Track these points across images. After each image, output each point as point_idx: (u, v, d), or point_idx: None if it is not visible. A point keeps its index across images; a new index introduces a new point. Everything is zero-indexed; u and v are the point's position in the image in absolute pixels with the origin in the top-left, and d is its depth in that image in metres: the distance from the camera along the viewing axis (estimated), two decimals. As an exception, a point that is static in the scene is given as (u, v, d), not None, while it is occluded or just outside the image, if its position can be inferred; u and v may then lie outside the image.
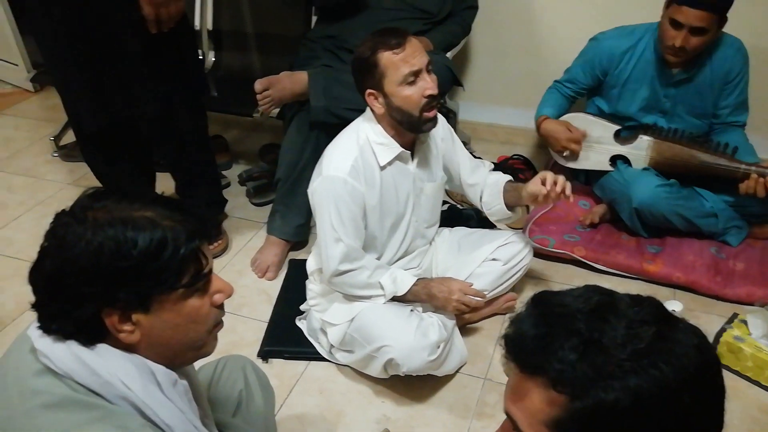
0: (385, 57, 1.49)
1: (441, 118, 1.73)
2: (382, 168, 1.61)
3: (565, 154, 2.18)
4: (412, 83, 1.50)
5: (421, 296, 1.65)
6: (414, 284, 1.64)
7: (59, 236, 0.79)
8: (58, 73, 1.92)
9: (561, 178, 1.66)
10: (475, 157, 2.34)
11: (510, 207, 1.77)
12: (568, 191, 1.66)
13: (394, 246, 1.72)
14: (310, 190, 1.63)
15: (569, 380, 0.62)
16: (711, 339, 1.73)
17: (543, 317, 0.67)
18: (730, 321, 1.77)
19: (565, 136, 2.13)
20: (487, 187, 1.80)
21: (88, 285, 0.77)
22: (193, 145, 2.08)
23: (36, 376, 0.81)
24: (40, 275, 0.80)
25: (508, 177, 1.81)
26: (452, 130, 1.80)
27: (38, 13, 1.78)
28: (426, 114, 1.54)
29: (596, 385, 0.60)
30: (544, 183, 1.65)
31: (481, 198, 1.81)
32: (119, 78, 1.82)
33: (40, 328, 0.82)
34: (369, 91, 1.55)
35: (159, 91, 1.88)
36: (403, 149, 1.61)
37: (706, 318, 1.89)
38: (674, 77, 2.03)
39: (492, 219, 1.84)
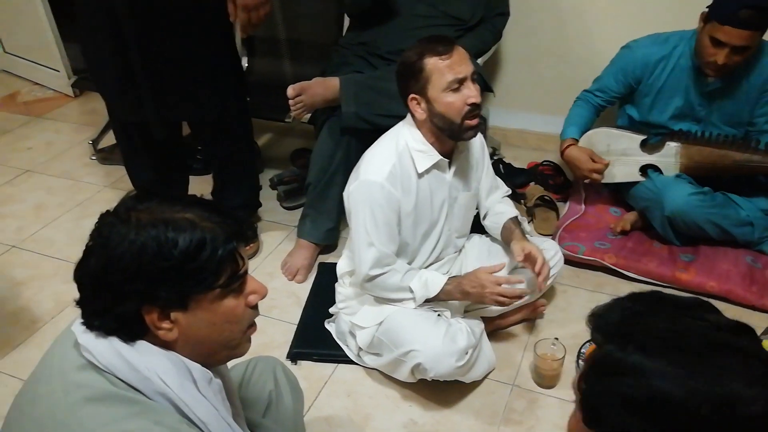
0: (432, 62, 1.50)
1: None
2: (420, 175, 1.61)
3: (586, 181, 2.17)
4: (456, 90, 1.51)
5: (454, 295, 1.65)
6: (446, 283, 1.64)
7: (104, 236, 0.82)
8: (111, 79, 1.93)
9: (546, 269, 1.65)
10: (504, 163, 2.34)
11: (505, 242, 1.78)
12: (543, 281, 1.66)
13: (425, 253, 1.73)
14: (345, 193, 1.65)
15: None
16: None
17: (634, 301, 0.76)
18: (766, 332, 1.74)
19: (588, 167, 2.12)
20: (492, 213, 1.82)
21: (130, 283, 0.80)
22: (241, 147, 2.15)
23: (79, 370, 0.83)
24: (84, 273, 0.83)
25: (514, 213, 1.81)
26: (485, 143, 1.81)
27: (93, 22, 1.82)
28: (468, 122, 1.54)
29: None
30: (527, 258, 1.65)
31: (484, 217, 1.84)
32: (184, 82, 1.88)
33: (83, 324, 0.85)
34: (412, 95, 1.55)
35: (218, 93, 1.94)
36: (441, 157, 1.61)
37: (741, 329, 1.86)
38: (709, 86, 2.00)
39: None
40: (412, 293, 1.64)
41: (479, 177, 1.79)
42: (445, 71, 1.50)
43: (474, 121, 1.55)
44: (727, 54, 1.84)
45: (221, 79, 1.95)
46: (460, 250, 1.87)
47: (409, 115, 1.61)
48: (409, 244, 1.68)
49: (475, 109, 1.53)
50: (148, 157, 2.10)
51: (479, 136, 1.76)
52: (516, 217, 1.81)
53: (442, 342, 1.55)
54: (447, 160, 1.64)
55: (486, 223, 1.84)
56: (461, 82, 1.51)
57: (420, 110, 1.56)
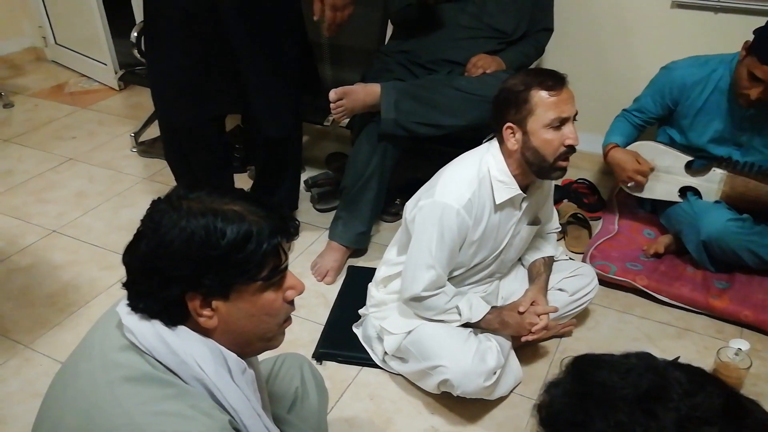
0: (539, 96, 1.47)
1: None
2: (495, 208, 1.58)
3: (630, 184, 2.15)
4: (556, 128, 1.48)
5: (494, 324, 1.64)
6: (488, 312, 1.63)
7: (156, 221, 0.84)
8: (177, 73, 1.96)
9: (539, 328, 1.63)
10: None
11: (529, 278, 1.79)
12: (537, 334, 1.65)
13: (475, 277, 1.73)
14: (416, 206, 1.61)
15: None
16: (779, 381, 1.67)
17: (581, 399, 0.59)
18: (800, 365, 1.70)
19: (632, 167, 2.09)
20: (532, 246, 1.81)
21: (177, 268, 0.83)
22: (293, 144, 2.20)
23: (120, 350, 0.86)
24: (134, 256, 0.86)
25: (552, 253, 1.81)
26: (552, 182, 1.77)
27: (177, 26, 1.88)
28: (560, 162, 1.52)
29: None
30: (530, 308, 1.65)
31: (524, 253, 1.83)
32: (223, 77, 1.94)
33: (128, 305, 0.87)
34: (508, 124, 1.52)
35: (250, 88, 1.99)
36: (520, 191, 1.58)
37: (774, 360, 1.82)
38: (749, 110, 1.98)
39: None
40: (459, 315, 1.62)
41: (541, 212, 1.78)
42: (552, 107, 1.47)
43: (566, 163, 1.53)
44: (762, 91, 1.83)
45: (294, 73, 2.00)
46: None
47: (495, 142, 1.58)
48: (463, 267, 1.67)
49: (570, 151, 1.51)
50: (196, 159, 2.16)
51: None
52: (551, 257, 1.80)
53: (472, 361, 1.53)
54: (523, 195, 1.62)
55: (525, 256, 1.82)
56: (564, 121, 1.49)
57: (513, 140, 1.52)
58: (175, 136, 2.13)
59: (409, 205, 1.65)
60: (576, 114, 1.52)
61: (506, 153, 1.56)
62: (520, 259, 1.88)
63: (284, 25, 1.95)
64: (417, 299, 1.60)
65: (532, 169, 1.54)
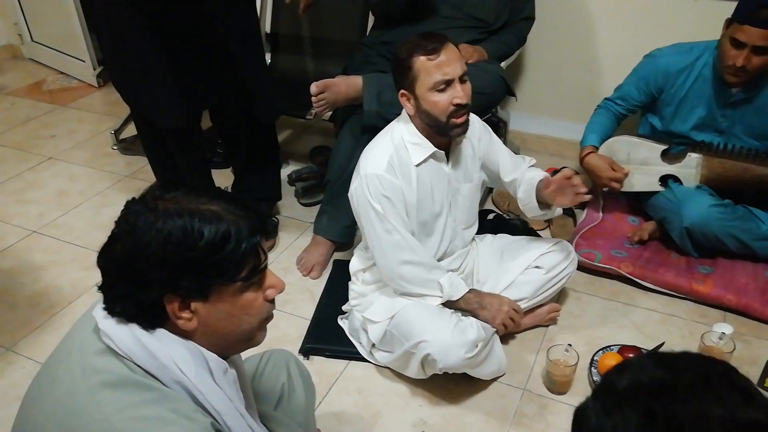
0: (420, 61, 1.51)
1: (476, 118, 1.73)
2: (417, 165, 1.62)
3: (605, 189, 2.16)
4: (442, 90, 1.52)
5: (473, 304, 1.67)
6: (468, 291, 1.66)
7: (131, 223, 0.83)
8: (134, 72, 1.95)
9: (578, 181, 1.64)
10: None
11: (542, 204, 1.75)
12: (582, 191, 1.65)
13: (433, 246, 1.73)
14: (350, 193, 1.66)
15: None
16: (762, 365, 1.69)
17: None
18: (783, 348, 1.72)
19: (607, 175, 2.10)
20: (523, 183, 1.79)
21: (154, 271, 0.81)
22: (274, 130, 2.21)
23: (98, 354, 0.85)
24: (109, 259, 0.84)
25: (545, 174, 1.79)
26: (489, 128, 1.80)
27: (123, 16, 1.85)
28: (454, 120, 1.55)
29: None
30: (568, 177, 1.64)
31: (517, 194, 1.80)
32: (206, 73, 1.93)
33: (104, 309, 0.86)
34: (402, 91, 1.58)
35: (245, 77, 1.98)
36: (436, 149, 1.62)
37: (758, 343, 1.84)
38: (733, 97, 1.98)
39: (529, 216, 1.83)
40: (440, 290, 1.64)
41: (492, 163, 1.77)
42: (433, 71, 1.51)
43: (461, 119, 1.56)
44: (746, 55, 1.83)
45: (248, 67, 1.98)
46: (470, 245, 1.87)
47: (404, 110, 1.63)
48: (415, 236, 1.68)
49: (460, 109, 1.54)
50: (171, 150, 2.13)
51: (481, 123, 1.76)
52: (541, 179, 1.78)
53: (452, 333, 1.55)
54: (443, 152, 1.65)
55: (521, 195, 1.79)
56: (448, 83, 1.51)
57: (409, 106, 1.58)
58: (156, 141, 2.11)
59: (349, 194, 1.68)
60: (465, 73, 1.54)
61: (411, 118, 1.61)
62: (495, 236, 1.90)
63: (252, 7, 1.97)
64: (400, 265, 1.62)
65: (432, 130, 1.59)
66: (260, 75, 2.03)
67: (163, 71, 1.87)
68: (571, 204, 1.69)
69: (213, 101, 2.07)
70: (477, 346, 1.57)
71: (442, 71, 1.50)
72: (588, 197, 1.68)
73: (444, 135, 1.60)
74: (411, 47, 1.53)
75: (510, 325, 1.70)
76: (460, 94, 1.52)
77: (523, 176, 1.79)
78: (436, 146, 1.62)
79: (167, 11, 1.79)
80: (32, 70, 3.72)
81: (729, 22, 1.87)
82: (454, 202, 1.72)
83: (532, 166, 1.82)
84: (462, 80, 1.54)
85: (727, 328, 1.75)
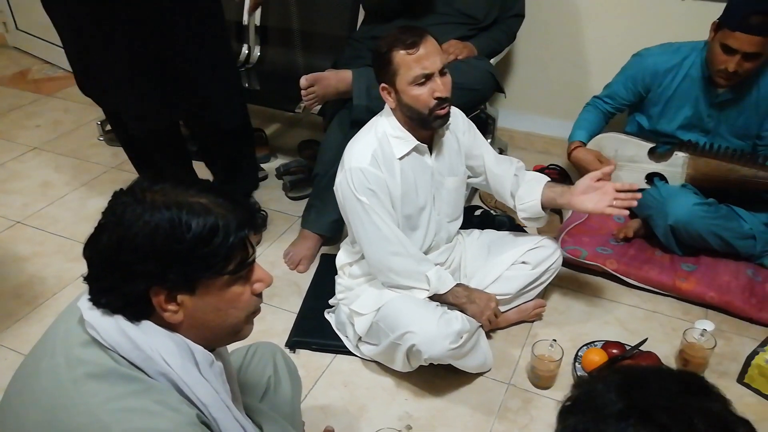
0: (399, 55, 1.51)
1: (459, 112, 1.74)
2: (400, 158, 1.62)
3: None
4: (422, 84, 1.52)
5: (461, 298, 1.68)
6: (456, 284, 1.67)
7: (118, 214, 0.82)
8: (106, 79, 1.95)
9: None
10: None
11: (544, 206, 1.76)
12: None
13: (418, 239, 1.73)
14: (335, 186, 1.66)
15: None
16: (742, 361, 1.72)
17: None
18: (764, 344, 1.74)
19: (594, 168, 2.11)
20: (525, 182, 1.80)
21: (141, 263, 0.81)
22: (249, 126, 2.18)
23: (83, 346, 0.84)
24: (95, 250, 0.84)
25: (544, 180, 1.80)
26: (472, 123, 1.80)
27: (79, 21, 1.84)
28: (436, 112, 1.56)
29: None
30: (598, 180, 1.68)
31: (512, 193, 1.79)
32: (166, 77, 1.88)
33: (90, 300, 0.85)
34: (383, 85, 1.58)
35: (200, 87, 1.94)
36: (419, 142, 1.63)
37: (738, 340, 1.87)
38: (719, 97, 2.00)
39: (522, 216, 1.82)
40: (428, 283, 1.65)
41: (476, 158, 1.78)
42: (412, 65, 1.51)
43: (442, 111, 1.56)
44: (738, 61, 1.84)
45: (205, 68, 1.94)
46: (458, 241, 1.88)
47: (387, 104, 1.63)
48: (400, 229, 1.68)
49: (442, 102, 1.54)
50: (163, 157, 2.12)
51: (464, 117, 1.77)
52: (548, 180, 1.79)
53: (437, 324, 1.56)
54: (426, 145, 1.65)
55: (521, 193, 1.78)
56: (428, 77, 1.52)
57: (391, 99, 1.59)
58: (131, 144, 2.10)
59: (334, 189, 1.68)
60: (444, 66, 1.54)
61: (393, 111, 1.61)
62: (482, 232, 1.91)
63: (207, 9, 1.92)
64: (389, 255, 1.62)
65: (414, 122, 1.59)
66: (217, 81, 1.97)
67: (128, 78, 1.86)
68: (595, 208, 1.69)
69: (178, 111, 2.03)
70: (462, 338, 1.58)
71: (421, 65, 1.50)
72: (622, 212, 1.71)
73: (426, 127, 1.61)
74: (390, 41, 1.53)
75: (494, 322, 1.72)
76: (440, 87, 1.53)
77: (523, 176, 1.81)
78: (418, 139, 1.63)
79: (121, 19, 1.78)
80: (17, 59, 3.67)
81: (718, 26, 1.88)
82: (438, 195, 1.73)
83: (519, 167, 1.84)
84: (442, 73, 1.54)
85: (708, 325, 1.78)
